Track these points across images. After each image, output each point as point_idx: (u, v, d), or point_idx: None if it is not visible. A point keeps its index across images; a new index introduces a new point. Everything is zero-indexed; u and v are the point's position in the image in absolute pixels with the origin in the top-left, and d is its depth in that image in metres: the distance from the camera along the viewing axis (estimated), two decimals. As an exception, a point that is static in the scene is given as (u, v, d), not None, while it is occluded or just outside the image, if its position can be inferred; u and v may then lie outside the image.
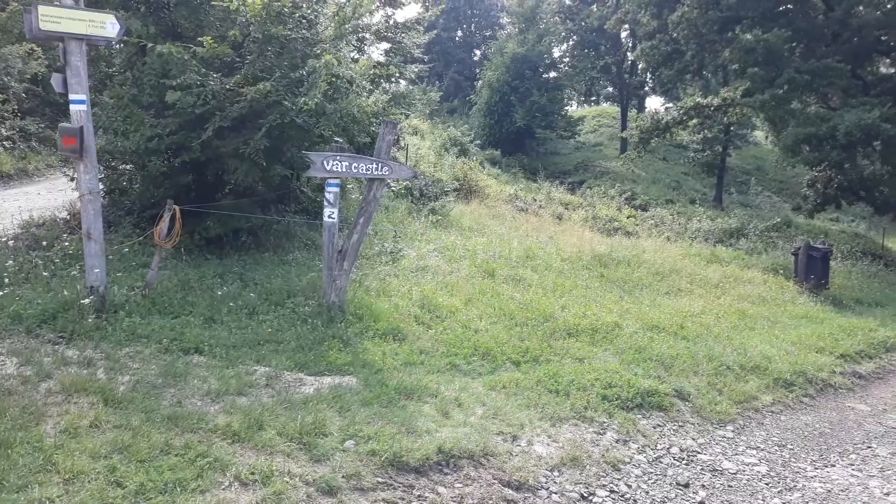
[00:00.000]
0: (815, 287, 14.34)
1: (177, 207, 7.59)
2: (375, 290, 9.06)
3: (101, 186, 10.28)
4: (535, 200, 23.03)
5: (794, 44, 21.34)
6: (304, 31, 9.76)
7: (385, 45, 20.43)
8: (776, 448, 6.59)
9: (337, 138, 9.03)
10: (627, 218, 23.44)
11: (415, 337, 7.60)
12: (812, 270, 14.60)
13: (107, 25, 6.58)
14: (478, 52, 56.97)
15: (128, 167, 10.29)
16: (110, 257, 8.56)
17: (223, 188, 10.47)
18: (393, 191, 16.66)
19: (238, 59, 9.46)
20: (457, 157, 24.91)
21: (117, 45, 9.66)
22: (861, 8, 21.43)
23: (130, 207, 10.63)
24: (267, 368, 6.18)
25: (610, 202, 26.09)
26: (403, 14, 72.36)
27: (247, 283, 8.52)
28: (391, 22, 18.94)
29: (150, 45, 8.69)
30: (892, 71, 23.76)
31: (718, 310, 11.39)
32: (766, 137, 38.03)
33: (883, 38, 21.70)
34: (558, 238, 16.02)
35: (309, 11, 10.24)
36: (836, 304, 13.79)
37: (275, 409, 5.23)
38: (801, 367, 8.84)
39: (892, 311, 14.05)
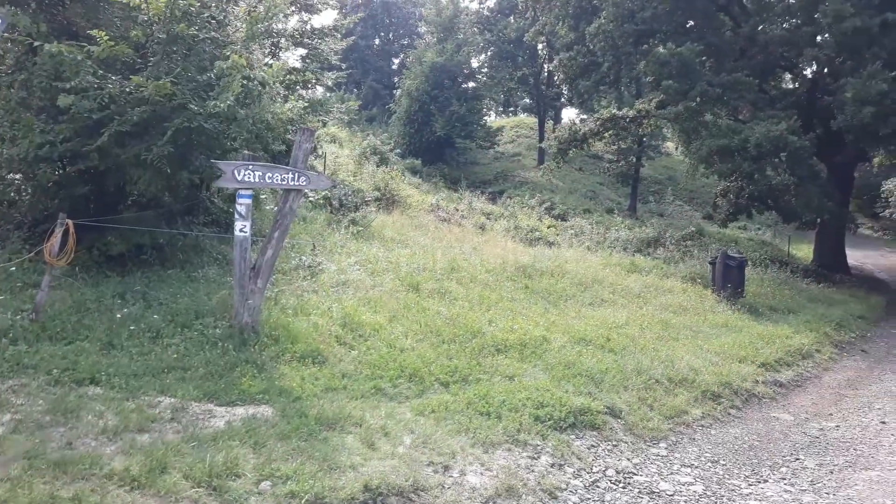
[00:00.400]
0: (732, 295, 14.62)
1: (70, 222, 6.88)
2: (293, 307, 8.52)
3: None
4: (458, 210, 22.84)
5: (705, 58, 22.02)
6: (212, 32, 9.18)
7: (301, 51, 19.87)
8: (710, 465, 6.48)
9: (246, 150, 8.47)
10: (548, 228, 23.55)
11: (336, 359, 7.11)
12: (729, 279, 14.89)
13: (-15, 19, 5.85)
14: (396, 61, 56.72)
15: (17, 177, 9.40)
16: (-6, 277, 7.74)
17: (125, 200, 9.69)
18: (311, 201, 16.06)
19: (140, 61, 8.79)
20: (377, 167, 24.45)
21: (6, 44, 8.85)
22: (765, 26, 22.37)
23: (20, 221, 9.70)
24: (172, 399, 5.58)
25: (530, 212, 26.19)
26: (320, 20, 71.40)
27: (150, 303, 7.82)
28: (307, 27, 18.42)
29: (39, 44, 7.91)
30: (794, 86, 24.93)
31: (642, 320, 11.38)
32: (676, 148, 39.37)
33: (785, 54, 22.67)
34: (482, 249, 15.81)
35: (218, 11, 9.67)
36: (752, 312, 14.08)
37: (180, 447, 4.68)
38: (726, 378, 8.86)
39: (803, 317, 14.50)
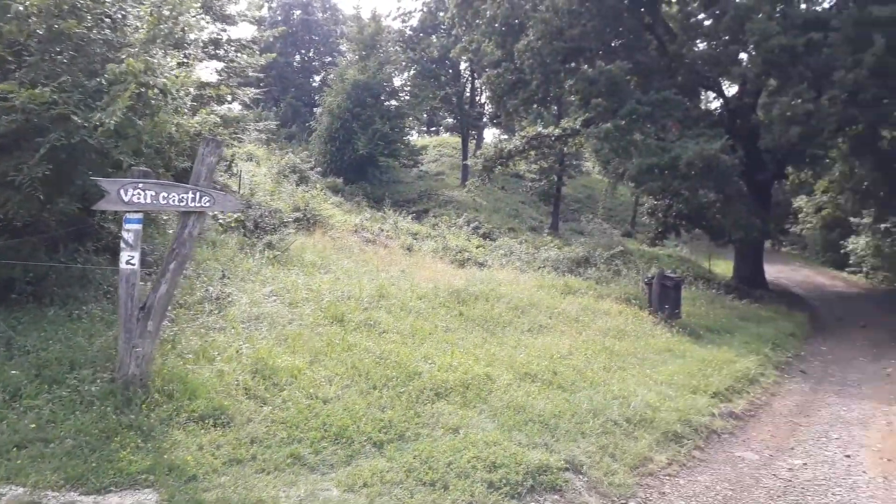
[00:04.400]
0: (670, 316, 14.12)
1: None
2: (194, 351, 7.17)
3: None
4: (383, 231, 21.75)
5: (632, 76, 21.87)
6: (106, 31, 7.88)
7: (217, 65, 18.55)
8: (687, 527, 5.62)
9: (141, 167, 7.17)
10: (476, 248, 22.72)
11: (244, 418, 5.85)
12: (666, 300, 14.41)
13: None
14: (317, 78, 55.36)
15: None
16: None
17: (-6, 225, 8.20)
18: (221, 223, 14.62)
19: (13, 60, 7.41)
20: (296, 186, 23.11)
21: None
22: (689, 45, 22.46)
23: None
24: (20, 490, 4.25)
25: (458, 231, 25.37)
26: (238, 32, 69.20)
27: (14, 351, 6.38)
28: (223, 38, 17.16)
29: None
30: (717, 105, 25.23)
31: (586, 349, 10.59)
32: (594, 167, 39.85)
33: (708, 73, 22.81)
34: (411, 272, 14.78)
35: (114, 9, 8.36)
36: (691, 334, 13.63)
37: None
38: (684, 414, 8.14)
39: (740, 338, 14.22)
